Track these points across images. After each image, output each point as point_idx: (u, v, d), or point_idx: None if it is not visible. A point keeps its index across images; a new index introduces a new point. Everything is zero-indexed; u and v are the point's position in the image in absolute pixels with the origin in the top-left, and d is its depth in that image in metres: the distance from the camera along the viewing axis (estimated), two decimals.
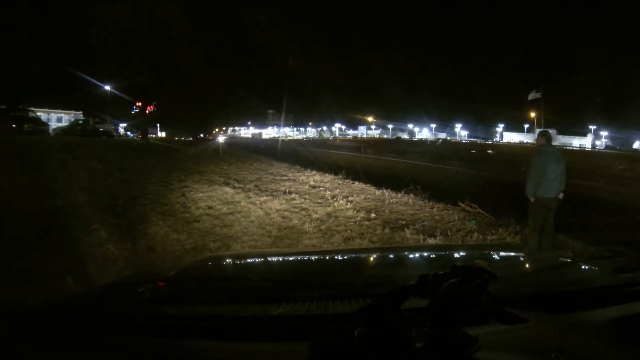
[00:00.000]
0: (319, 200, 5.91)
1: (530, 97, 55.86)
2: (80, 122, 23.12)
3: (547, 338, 0.80)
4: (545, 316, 0.88)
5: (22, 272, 2.77)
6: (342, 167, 8.82)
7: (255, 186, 6.87)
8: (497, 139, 61.94)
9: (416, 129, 70.40)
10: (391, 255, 1.80)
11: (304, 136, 67.01)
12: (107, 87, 27.29)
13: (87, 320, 0.92)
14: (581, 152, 36.22)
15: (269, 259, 1.76)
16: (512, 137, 61.03)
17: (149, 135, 23.94)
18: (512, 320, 0.84)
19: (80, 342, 0.82)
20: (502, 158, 21.22)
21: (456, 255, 1.80)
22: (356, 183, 7.53)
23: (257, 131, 70.81)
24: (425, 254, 1.77)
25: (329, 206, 5.54)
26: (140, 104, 24.08)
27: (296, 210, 5.31)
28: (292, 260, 1.74)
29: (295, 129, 73.96)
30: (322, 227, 4.54)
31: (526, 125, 61.43)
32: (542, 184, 4.06)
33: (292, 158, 11.87)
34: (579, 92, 56.42)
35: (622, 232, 4.26)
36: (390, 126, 71.41)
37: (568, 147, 45.68)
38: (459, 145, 42.84)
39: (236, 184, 6.99)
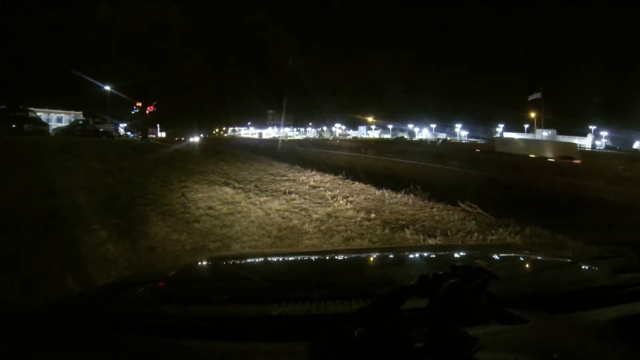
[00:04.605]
0: (319, 201, 5.90)
1: (531, 97, 55.95)
2: (80, 122, 23.16)
3: (547, 338, 0.80)
4: (545, 316, 0.88)
5: (22, 272, 2.77)
6: (342, 168, 8.81)
7: (256, 186, 6.87)
8: None
9: (416, 129, 70.36)
10: (391, 255, 1.80)
11: (304, 136, 66.94)
12: (107, 87, 27.32)
13: (87, 320, 0.92)
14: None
15: (269, 259, 1.77)
16: (512, 138, 61.01)
17: (149, 136, 23.95)
18: (512, 320, 0.84)
19: (80, 342, 0.82)
20: (502, 159, 21.24)
21: (456, 255, 1.80)
22: (356, 183, 7.53)
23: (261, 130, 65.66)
24: (425, 254, 1.77)
25: (329, 206, 5.53)
26: (140, 104, 24.11)
27: (296, 210, 5.31)
28: (292, 260, 1.74)
29: (295, 129, 73.89)
30: (322, 228, 4.53)
31: (526, 126, 61.52)
32: None
33: (292, 158, 11.86)
34: (579, 92, 56.44)
35: (622, 232, 4.25)
36: (390, 126, 71.43)
37: None
38: (459, 146, 42.79)
39: (236, 184, 6.99)
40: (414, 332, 0.67)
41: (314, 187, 6.95)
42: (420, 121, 68.14)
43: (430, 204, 5.73)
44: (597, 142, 52.38)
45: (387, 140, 57.68)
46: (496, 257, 1.62)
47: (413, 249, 2.43)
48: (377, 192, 6.59)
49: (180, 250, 3.79)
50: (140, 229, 4.33)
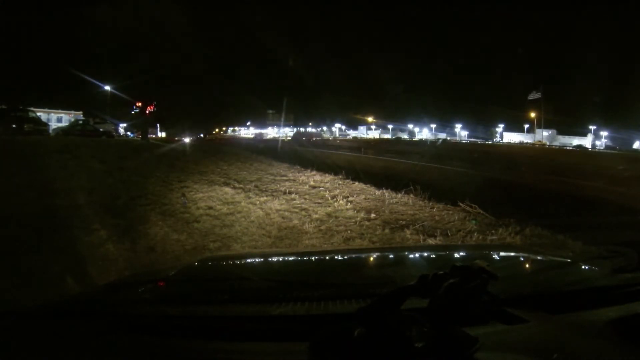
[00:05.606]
0: (319, 201, 5.90)
1: (531, 97, 56.01)
2: (80, 122, 23.18)
3: (547, 338, 0.80)
4: (545, 316, 0.88)
5: (22, 272, 2.77)
6: (342, 168, 8.81)
7: (256, 186, 6.87)
8: (497, 139, 61.92)
9: (416, 129, 70.35)
10: (391, 255, 1.80)
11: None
12: (107, 87, 27.30)
13: (87, 320, 0.92)
14: (581, 152, 36.21)
15: (269, 259, 1.77)
16: (512, 137, 61.06)
17: (149, 136, 23.94)
18: (512, 320, 0.84)
19: (80, 342, 0.82)
20: (502, 159, 21.24)
21: (456, 255, 1.80)
22: (356, 183, 7.53)
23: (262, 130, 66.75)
24: (425, 254, 1.77)
25: (329, 206, 5.53)
26: (140, 104, 24.15)
27: (296, 210, 5.31)
28: (292, 260, 1.74)
29: (295, 129, 73.93)
30: (322, 227, 4.53)
31: (526, 126, 61.57)
32: None
33: (292, 158, 11.86)
34: (579, 92, 56.44)
35: (622, 232, 4.25)
36: (390, 126, 71.40)
37: (568, 147, 45.75)
38: (459, 146, 42.79)
39: (236, 184, 6.99)
40: (414, 332, 0.67)
41: (314, 187, 6.95)
42: (420, 121, 68.17)
43: (430, 204, 5.73)
44: (597, 142, 52.36)
45: (387, 140, 57.61)
46: (496, 257, 1.62)
47: (413, 249, 2.43)
48: (377, 192, 6.59)
49: (180, 250, 3.78)
50: (140, 229, 4.32)
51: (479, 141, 56.61)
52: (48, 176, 6.10)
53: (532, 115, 57.81)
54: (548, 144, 52.20)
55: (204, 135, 56.07)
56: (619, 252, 1.31)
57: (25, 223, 3.88)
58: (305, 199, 6.01)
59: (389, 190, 6.59)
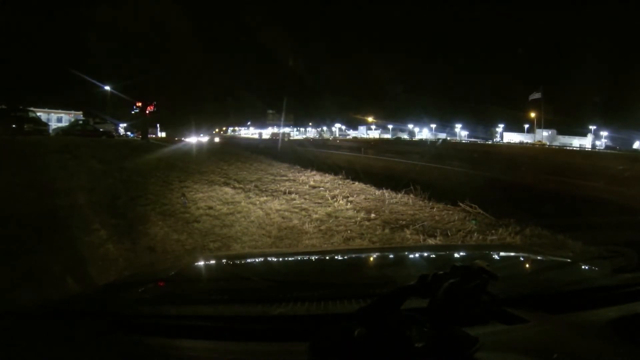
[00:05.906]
0: (319, 201, 5.90)
1: (531, 97, 56.04)
2: (80, 122, 23.20)
3: (547, 338, 0.80)
4: (545, 316, 0.88)
5: (22, 272, 2.77)
6: (342, 168, 8.81)
7: (256, 186, 6.87)
8: (497, 139, 61.90)
9: (416, 129, 70.34)
10: (391, 255, 1.80)
11: (304, 136, 67.00)
12: (107, 87, 27.29)
13: (87, 320, 0.92)
14: (581, 153, 36.20)
15: (269, 259, 1.76)
16: (512, 137, 61.06)
17: (149, 136, 23.93)
18: (512, 320, 0.84)
19: (80, 342, 0.82)
20: (502, 159, 21.25)
21: (456, 255, 1.80)
22: (356, 183, 7.53)
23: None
24: (425, 254, 1.77)
25: (329, 206, 5.53)
26: (140, 104, 24.12)
27: (296, 210, 5.31)
28: (292, 260, 1.74)
29: (295, 129, 73.85)
30: (322, 227, 4.53)
31: (526, 126, 61.60)
32: None
33: (292, 158, 11.86)
34: (579, 92, 56.45)
35: (622, 232, 4.25)
36: (390, 126, 71.40)
37: (568, 147, 45.76)
38: (459, 146, 42.78)
39: (236, 184, 6.99)
40: (414, 332, 0.67)
41: (314, 187, 6.95)
42: (420, 121, 68.18)
43: (430, 204, 5.73)
44: (597, 142, 52.38)
45: (387, 140, 57.61)
46: (496, 257, 1.62)
47: (413, 249, 2.43)
48: (377, 192, 6.59)
49: (180, 250, 3.79)
50: (140, 229, 4.33)
51: (479, 141, 56.59)
52: (48, 176, 6.10)
53: (532, 115, 57.87)
54: (548, 144, 52.19)
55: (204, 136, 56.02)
56: (619, 252, 1.31)
57: (25, 223, 3.88)
58: (305, 199, 6.01)
59: (389, 190, 6.58)
